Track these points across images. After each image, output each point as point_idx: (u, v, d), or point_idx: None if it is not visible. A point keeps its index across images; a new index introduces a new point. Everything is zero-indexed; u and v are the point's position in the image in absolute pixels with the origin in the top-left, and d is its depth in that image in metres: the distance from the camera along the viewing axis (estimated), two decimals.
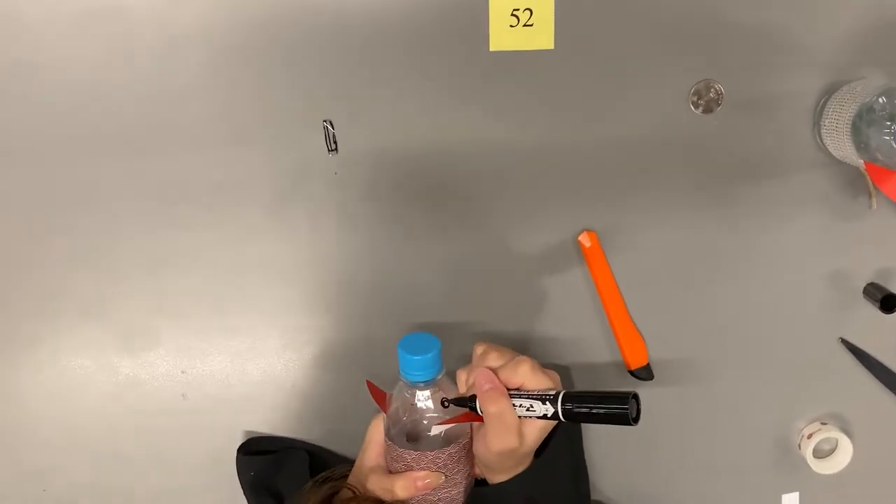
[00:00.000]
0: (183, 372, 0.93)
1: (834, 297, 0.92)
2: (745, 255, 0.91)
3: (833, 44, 0.86)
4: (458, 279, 0.91)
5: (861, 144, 0.79)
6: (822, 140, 0.86)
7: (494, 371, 0.75)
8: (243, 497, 0.93)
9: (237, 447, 0.94)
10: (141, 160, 0.87)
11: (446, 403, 0.76)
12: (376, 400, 0.79)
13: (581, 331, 0.93)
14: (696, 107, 0.87)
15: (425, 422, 0.77)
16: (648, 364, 0.92)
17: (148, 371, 0.92)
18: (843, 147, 0.82)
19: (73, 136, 0.86)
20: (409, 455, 0.76)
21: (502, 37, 0.85)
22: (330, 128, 0.87)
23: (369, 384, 0.81)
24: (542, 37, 0.85)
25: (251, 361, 0.93)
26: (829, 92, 0.86)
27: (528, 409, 0.72)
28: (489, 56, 0.85)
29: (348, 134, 0.87)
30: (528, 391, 0.73)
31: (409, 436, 0.78)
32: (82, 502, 0.95)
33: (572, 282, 0.91)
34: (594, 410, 0.70)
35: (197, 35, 0.84)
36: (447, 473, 0.77)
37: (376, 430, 0.81)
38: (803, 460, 0.94)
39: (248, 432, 0.95)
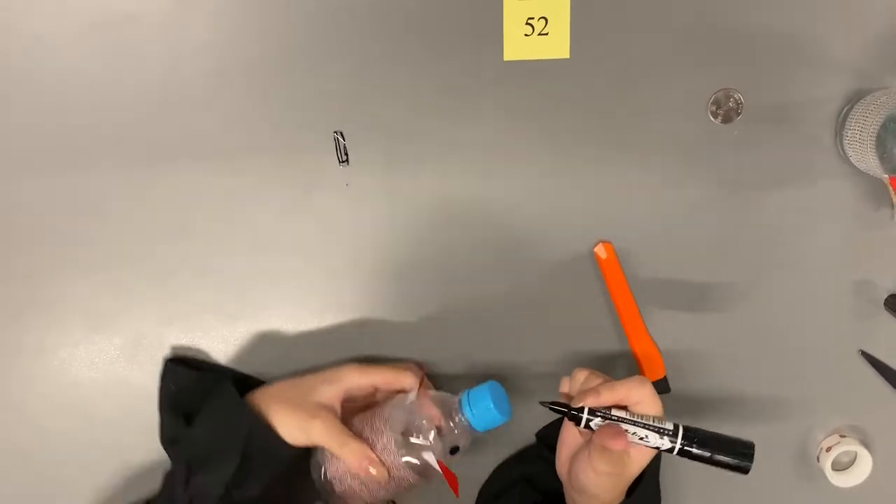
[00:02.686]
0: None
1: (854, 309, 0.91)
2: (764, 265, 0.89)
3: (856, 52, 0.84)
4: (473, 292, 0.90)
5: (884, 156, 0.77)
6: (843, 150, 0.85)
7: (610, 384, 0.74)
8: None
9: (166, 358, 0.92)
10: (150, 170, 0.86)
11: (550, 406, 0.75)
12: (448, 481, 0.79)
13: (597, 343, 0.92)
14: (715, 116, 0.85)
15: (428, 441, 0.76)
16: (665, 377, 0.91)
17: (157, 384, 0.91)
18: (865, 158, 0.81)
19: (82, 146, 0.86)
20: (389, 444, 0.77)
21: (517, 46, 0.83)
22: (341, 139, 0.85)
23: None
24: (557, 46, 0.83)
25: (262, 373, 0.92)
26: (852, 101, 0.84)
27: (640, 438, 0.72)
28: (504, 65, 0.84)
29: (360, 145, 0.86)
30: (641, 417, 0.72)
31: (403, 434, 0.78)
32: None
33: (588, 293, 0.90)
34: (715, 457, 0.70)
35: (206, 45, 0.83)
36: (388, 486, 0.78)
37: (351, 377, 0.82)
38: (822, 473, 0.93)
39: None
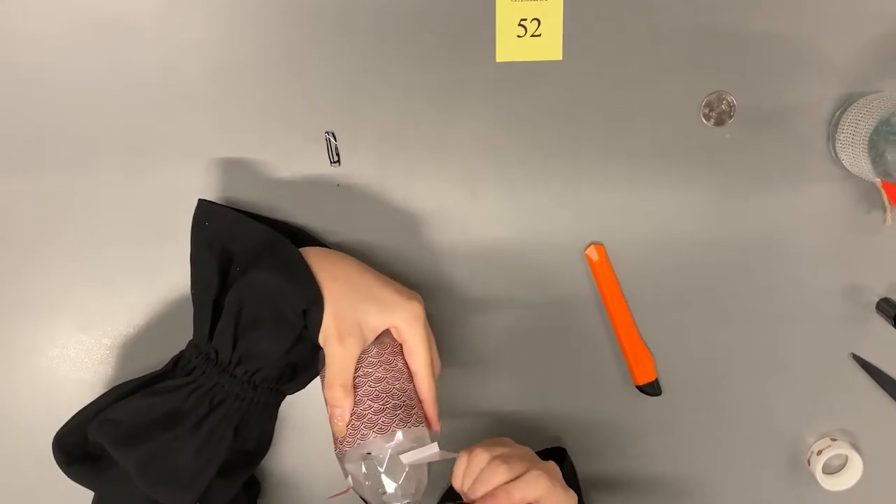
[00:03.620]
0: None
1: (846, 312, 0.91)
2: (756, 268, 0.89)
3: (849, 55, 0.84)
4: (464, 292, 0.90)
5: (877, 160, 0.77)
6: (836, 154, 0.85)
7: (506, 486, 0.70)
8: None
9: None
10: (141, 171, 0.86)
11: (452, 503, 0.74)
12: None
13: (588, 345, 0.91)
14: (708, 119, 0.85)
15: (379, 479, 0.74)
16: (657, 380, 0.91)
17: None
18: (858, 162, 0.81)
19: (73, 147, 0.85)
20: (360, 434, 0.74)
21: (510, 47, 0.83)
22: (332, 140, 0.85)
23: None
24: (550, 47, 0.83)
25: None
26: (845, 104, 0.84)
27: None
28: (496, 67, 0.84)
29: (351, 146, 0.85)
30: None
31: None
32: None
33: (580, 295, 0.90)
34: None
35: (198, 46, 0.83)
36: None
37: (405, 326, 0.77)
38: (812, 476, 0.93)
39: None
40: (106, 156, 0.86)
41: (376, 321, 0.76)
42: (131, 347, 0.90)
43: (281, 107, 0.84)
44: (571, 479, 0.82)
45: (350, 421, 0.75)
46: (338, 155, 0.85)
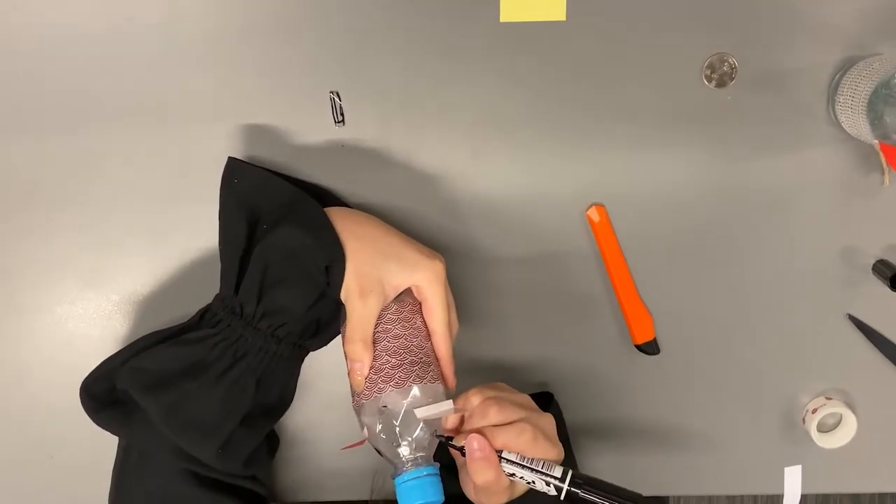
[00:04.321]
0: None
1: (843, 273, 0.92)
2: (754, 229, 0.90)
3: (850, 17, 0.84)
4: (466, 253, 0.91)
5: (876, 122, 0.78)
6: (836, 116, 0.85)
7: (492, 429, 0.72)
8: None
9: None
10: (144, 132, 0.87)
11: (441, 438, 0.74)
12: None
13: (588, 305, 0.93)
14: (709, 80, 0.85)
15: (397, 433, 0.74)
16: (655, 339, 0.92)
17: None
18: (857, 124, 0.81)
19: (76, 108, 0.86)
20: (379, 388, 0.75)
21: (513, 7, 0.83)
22: (337, 99, 0.85)
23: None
24: (553, 7, 0.83)
25: None
26: (845, 67, 0.84)
27: (529, 483, 0.71)
28: (499, 27, 0.84)
29: (356, 106, 0.86)
30: (529, 462, 0.71)
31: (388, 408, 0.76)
32: (88, 471, 0.96)
33: (580, 255, 0.91)
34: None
35: (202, 5, 0.83)
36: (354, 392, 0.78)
37: (427, 286, 0.78)
38: (807, 434, 0.95)
39: None
40: (109, 114, 0.86)
41: (398, 279, 0.77)
42: (139, 304, 0.91)
43: (285, 66, 0.85)
44: (559, 425, 0.84)
45: (368, 375, 0.76)
46: (342, 115, 0.86)
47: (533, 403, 0.77)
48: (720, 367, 0.95)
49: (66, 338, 0.92)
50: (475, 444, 0.71)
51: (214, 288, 0.90)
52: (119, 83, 0.85)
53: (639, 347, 0.92)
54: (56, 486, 0.96)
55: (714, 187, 0.89)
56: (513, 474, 0.71)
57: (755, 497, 1.72)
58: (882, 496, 1.74)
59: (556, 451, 0.73)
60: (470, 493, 0.76)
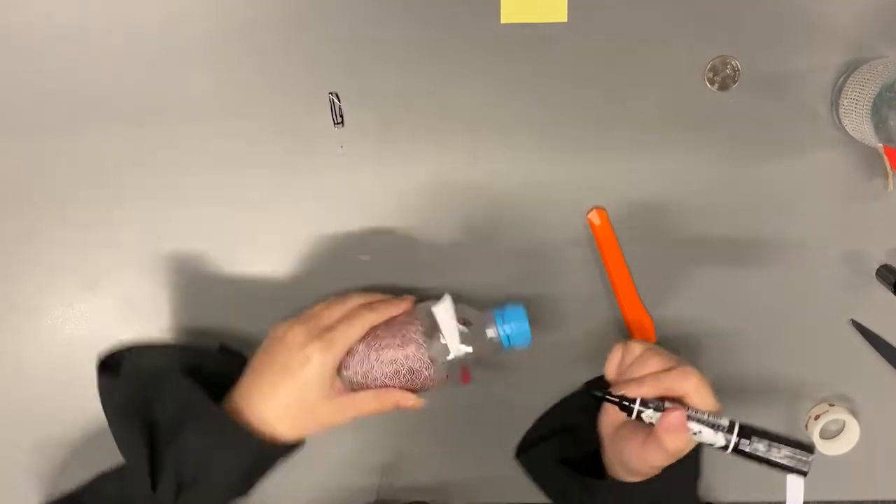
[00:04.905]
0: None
1: (846, 278, 0.91)
2: (757, 233, 0.90)
3: (854, 20, 0.84)
4: (467, 255, 0.90)
5: (879, 125, 0.77)
6: (839, 119, 0.85)
7: (658, 373, 0.72)
8: None
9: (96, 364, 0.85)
10: (144, 131, 0.86)
11: (598, 393, 0.74)
12: None
13: (589, 309, 0.92)
14: (712, 83, 0.85)
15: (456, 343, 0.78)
16: (656, 343, 0.91)
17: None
18: (860, 127, 0.81)
19: (76, 108, 0.85)
20: (419, 351, 0.79)
21: (514, 8, 0.83)
22: (336, 101, 0.85)
23: None
24: (554, 9, 0.83)
25: (256, 337, 0.92)
26: (849, 70, 0.84)
27: (694, 434, 0.70)
28: (500, 28, 0.83)
29: (355, 107, 0.85)
30: (697, 413, 0.70)
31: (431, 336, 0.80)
32: (86, 473, 0.95)
33: (581, 259, 0.90)
34: (771, 458, 0.69)
35: (202, 5, 0.83)
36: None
37: (356, 327, 0.79)
38: (809, 440, 0.94)
39: None
40: (109, 114, 0.86)
41: (325, 376, 0.77)
42: (137, 307, 0.91)
43: (285, 67, 0.84)
44: None
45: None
46: (341, 116, 0.86)
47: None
48: (722, 373, 0.94)
49: (64, 340, 0.92)
50: (672, 418, 0.70)
51: (213, 290, 0.90)
52: (118, 84, 0.85)
53: None
54: (54, 488, 0.96)
55: (716, 191, 0.88)
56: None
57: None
58: (884, 503, 1.72)
59: (717, 404, 0.72)
60: (632, 462, 0.75)
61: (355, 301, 0.83)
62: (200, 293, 0.91)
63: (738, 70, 0.84)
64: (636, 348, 0.76)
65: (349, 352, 0.79)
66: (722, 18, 0.84)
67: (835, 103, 0.85)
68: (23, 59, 0.84)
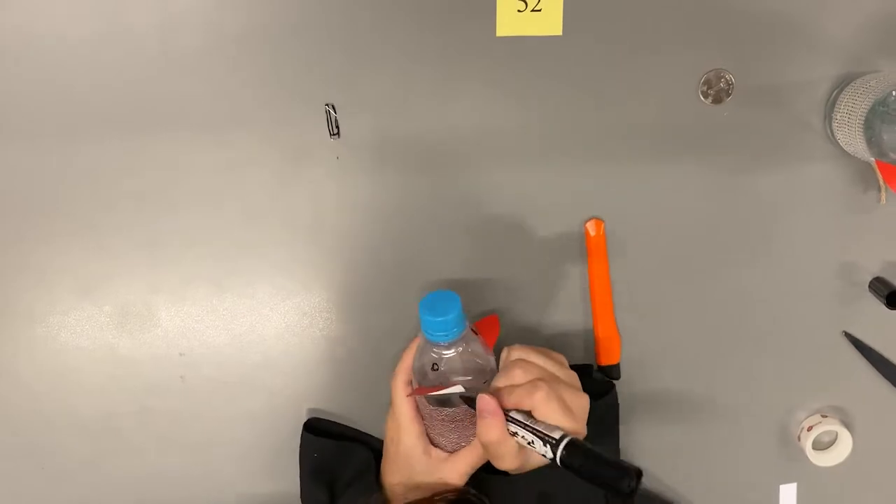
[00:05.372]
0: (181, 354, 0.92)
1: (839, 291, 0.91)
2: (750, 246, 0.90)
3: (848, 34, 0.84)
4: (463, 267, 0.90)
5: (872, 140, 0.78)
6: (832, 133, 0.85)
7: (510, 387, 0.71)
8: (237, 478, 0.95)
9: (303, 423, 0.94)
10: (139, 140, 0.86)
11: (434, 367, 0.74)
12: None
13: (563, 317, 0.92)
14: (706, 97, 0.85)
15: (447, 375, 0.76)
16: (618, 364, 0.92)
17: (146, 352, 0.92)
18: (854, 141, 0.81)
19: (72, 115, 0.85)
20: (426, 409, 0.77)
21: (510, 22, 0.83)
22: (332, 112, 0.85)
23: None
24: (550, 22, 0.83)
25: (251, 345, 0.92)
26: (842, 84, 0.84)
27: (529, 443, 0.69)
28: (496, 41, 0.84)
29: (351, 119, 0.86)
30: (534, 423, 0.68)
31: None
32: (79, 481, 0.95)
33: (566, 267, 0.91)
34: (592, 475, 0.65)
35: (197, 14, 0.83)
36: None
37: (405, 408, 0.80)
38: (802, 452, 0.94)
39: (247, 413, 0.95)
40: (105, 122, 0.85)
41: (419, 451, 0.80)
42: (133, 315, 0.91)
43: (280, 78, 0.84)
44: (608, 416, 0.87)
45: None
46: (337, 127, 0.86)
47: (573, 379, 0.74)
48: (715, 385, 0.94)
49: (58, 348, 0.91)
50: (482, 403, 0.70)
51: (210, 298, 0.90)
52: (113, 92, 0.85)
53: (600, 368, 0.92)
54: (47, 496, 0.96)
55: (709, 203, 0.89)
56: (515, 433, 0.69)
57: None
58: None
59: (572, 423, 0.69)
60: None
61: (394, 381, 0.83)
62: (194, 302, 0.91)
63: (732, 83, 0.85)
64: (513, 353, 0.75)
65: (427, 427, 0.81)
66: (716, 32, 0.84)
67: (828, 117, 0.85)
68: (16, 66, 0.84)
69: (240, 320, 0.92)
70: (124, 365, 0.92)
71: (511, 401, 0.70)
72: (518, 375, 0.71)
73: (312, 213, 0.88)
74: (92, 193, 0.88)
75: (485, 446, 0.70)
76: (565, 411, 0.68)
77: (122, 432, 0.94)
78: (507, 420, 0.69)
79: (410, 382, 0.80)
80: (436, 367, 0.75)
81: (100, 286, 0.90)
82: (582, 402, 0.71)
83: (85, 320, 0.91)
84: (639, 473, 0.63)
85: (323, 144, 0.86)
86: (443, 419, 0.78)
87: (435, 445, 0.80)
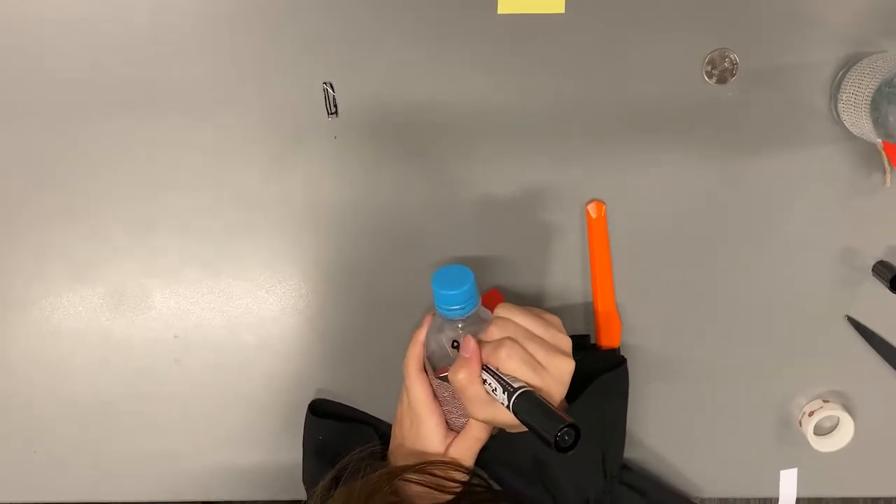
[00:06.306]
0: (176, 336, 0.91)
1: (842, 274, 0.90)
2: (753, 228, 0.89)
3: (854, 13, 0.83)
4: (463, 243, 0.89)
5: (878, 121, 0.76)
6: (838, 114, 0.84)
7: (484, 344, 0.72)
8: (232, 462, 0.95)
9: (307, 404, 0.93)
10: (133, 120, 0.85)
11: (455, 345, 0.75)
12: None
13: (562, 299, 0.91)
14: (710, 76, 0.84)
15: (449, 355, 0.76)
16: (618, 348, 0.91)
17: (140, 335, 0.91)
18: (859, 123, 0.80)
19: (65, 95, 0.84)
20: (435, 383, 0.78)
21: None
22: (330, 90, 0.84)
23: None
24: (552, 0, 0.82)
25: (246, 327, 0.91)
26: (848, 64, 0.83)
27: (493, 391, 0.70)
28: (497, 19, 0.82)
29: (349, 97, 0.84)
30: (504, 374, 0.70)
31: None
32: (72, 464, 0.95)
33: (566, 250, 0.89)
34: (528, 422, 0.66)
35: None
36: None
37: (417, 381, 0.80)
38: (803, 437, 0.93)
39: (242, 396, 0.93)
40: (98, 104, 0.85)
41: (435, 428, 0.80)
42: (127, 297, 0.90)
43: (277, 57, 0.83)
44: (614, 394, 0.87)
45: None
46: (335, 106, 0.84)
47: (559, 342, 0.74)
48: (716, 369, 0.93)
49: (52, 331, 0.90)
50: (464, 343, 0.72)
51: (205, 280, 0.89)
52: (106, 73, 0.84)
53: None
54: (39, 479, 0.95)
55: (712, 185, 0.87)
56: (485, 381, 0.71)
57: (748, 500, 1.71)
58: (875, 500, 1.73)
59: (538, 381, 0.70)
60: None
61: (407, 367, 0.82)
62: (189, 284, 0.90)
63: (737, 63, 0.83)
64: (498, 311, 0.75)
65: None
66: (721, 11, 0.83)
67: (833, 98, 0.84)
68: (8, 48, 0.83)
69: (235, 302, 0.91)
70: (118, 348, 0.91)
71: (484, 356, 0.72)
72: (493, 332, 0.73)
73: (309, 194, 0.87)
74: (85, 176, 0.87)
75: (455, 386, 0.72)
76: (533, 368, 0.70)
77: (116, 417, 0.93)
78: (483, 369, 0.71)
79: (423, 367, 0.79)
80: (455, 344, 0.76)
81: (93, 268, 0.90)
82: (560, 365, 0.72)
83: (78, 303, 0.90)
84: (577, 430, 0.64)
85: (320, 124, 0.85)
86: (452, 394, 0.77)
87: (449, 427, 0.80)
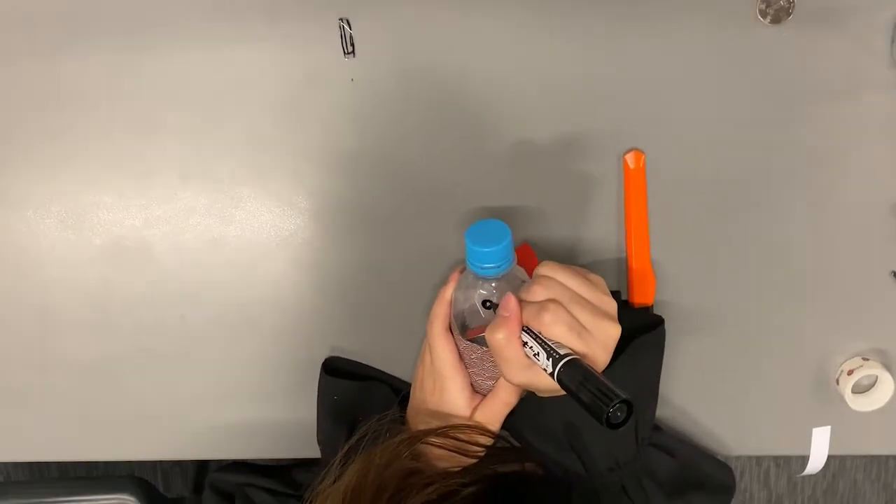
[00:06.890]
0: (181, 293, 0.87)
1: (890, 229, 0.86)
2: (800, 179, 0.84)
3: None
4: (490, 197, 0.84)
5: None
6: None
7: (526, 304, 0.68)
8: (239, 421, 0.92)
9: (321, 363, 0.90)
10: (135, 57, 0.80)
11: (488, 304, 0.71)
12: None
13: (596, 253, 0.87)
14: (764, 16, 0.77)
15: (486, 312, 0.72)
16: (652, 305, 0.87)
17: (142, 290, 0.87)
18: None
19: (63, 29, 0.79)
20: (462, 344, 0.74)
21: None
22: (347, 27, 0.77)
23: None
24: None
25: (255, 281, 0.87)
26: None
27: (535, 355, 0.66)
28: None
29: (368, 36, 0.78)
30: (548, 338, 0.66)
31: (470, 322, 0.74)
32: (72, 424, 0.92)
33: (602, 201, 0.84)
34: (579, 395, 0.61)
35: None
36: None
37: (440, 338, 0.76)
38: (839, 395, 0.90)
39: (255, 355, 0.90)
40: (95, 39, 0.80)
41: (457, 385, 0.77)
42: (125, 249, 0.86)
43: None
44: (645, 356, 0.82)
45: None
46: (352, 45, 0.78)
47: (605, 304, 0.70)
48: (750, 326, 0.90)
49: (44, 286, 0.86)
50: (504, 301, 0.68)
51: (210, 232, 0.84)
52: (101, 3, 0.78)
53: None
54: (39, 440, 0.93)
55: (760, 133, 0.82)
56: (526, 343, 0.67)
57: (776, 458, 1.72)
58: None
59: (582, 347, 0.66)
60: None
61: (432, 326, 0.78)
62: (195, 235, 0.85)
63: (793, 2, 0.77)
64: (540, 269, 0.70)
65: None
66: None
67: (894, 40, 0.78)
68: None
69: (244, 255, 0.86)
70: (119, 303, 0.87)
71: (523, 318, 0.67)
72: (537, 292, 0.68)
73: (324, 140, 0.82)
74: (80, 117, 0.82)
75: (492, 347, 0.68)
76: (578, 334, 0.66)
77: (118, 375, 0.90)
78: (523, 330, 0.67)
79: (449, 328, 0.75)
80: (488, 304, 0.71)
81: (88, 216, 0.85)
82: (606, 330, 0.68)
83: (73, 255, 0.86)
84: (630, 406, 0.60)
85: (336, 64, 0.79)
86: (481, 356, 0.74)
87: (475, 389, 0.77)
